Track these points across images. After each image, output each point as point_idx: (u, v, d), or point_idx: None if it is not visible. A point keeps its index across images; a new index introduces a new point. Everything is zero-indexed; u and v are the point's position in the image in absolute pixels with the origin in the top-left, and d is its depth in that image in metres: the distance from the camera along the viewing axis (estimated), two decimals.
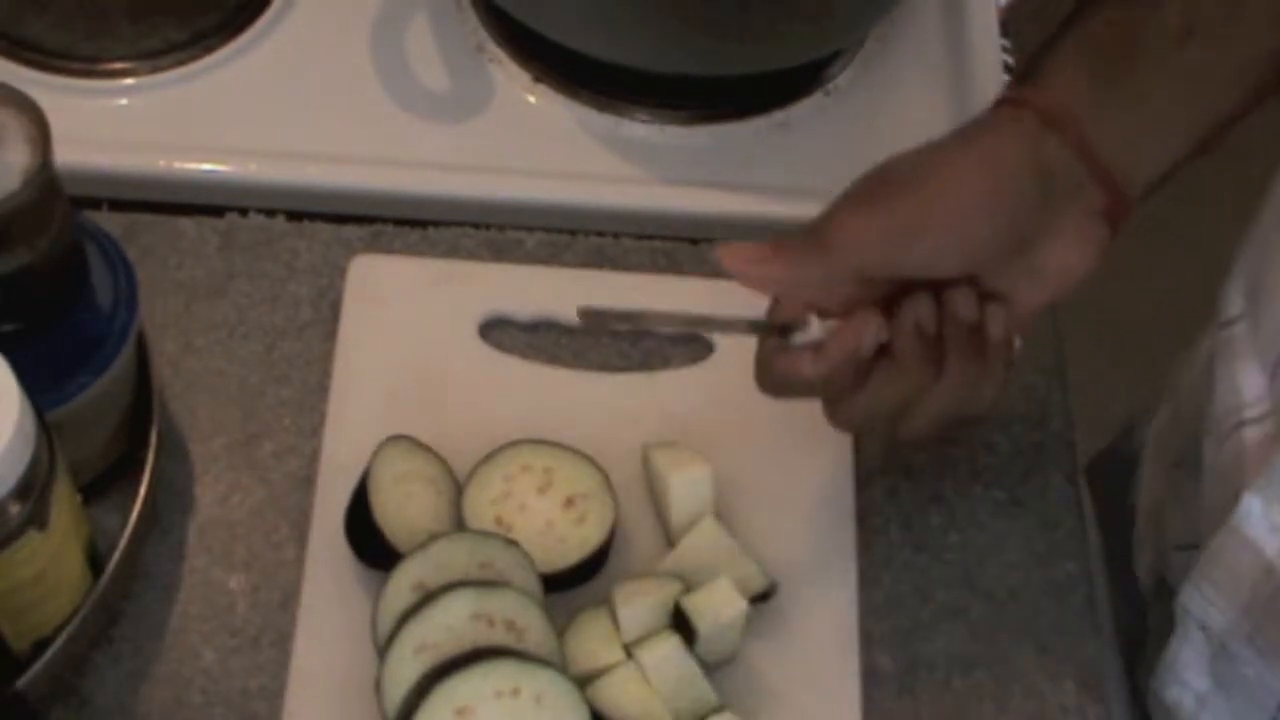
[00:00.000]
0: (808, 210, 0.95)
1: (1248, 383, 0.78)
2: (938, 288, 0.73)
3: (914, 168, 0.73)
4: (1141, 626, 0.88)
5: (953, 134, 0.74)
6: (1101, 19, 0.74)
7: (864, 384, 0.74)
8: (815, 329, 0.74)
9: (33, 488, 0.68)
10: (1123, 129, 0.73)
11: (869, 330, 0.72)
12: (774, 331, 0.75)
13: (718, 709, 0.77)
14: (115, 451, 0.81)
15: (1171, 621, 0.80)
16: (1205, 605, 0.77)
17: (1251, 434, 0.77)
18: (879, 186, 0.73)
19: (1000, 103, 0.75)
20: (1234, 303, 0.80)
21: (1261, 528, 0.73)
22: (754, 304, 0.91)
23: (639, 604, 0.78)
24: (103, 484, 0.81)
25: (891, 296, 0.73)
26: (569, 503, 0.81)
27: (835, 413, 0.76)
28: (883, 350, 0.73)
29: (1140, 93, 0.73)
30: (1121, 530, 0.94)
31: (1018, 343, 0.75)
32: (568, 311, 0.90)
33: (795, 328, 0.74)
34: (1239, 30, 0.73)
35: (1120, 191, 0.73)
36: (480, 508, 0.81)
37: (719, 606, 0.77)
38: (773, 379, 0.75)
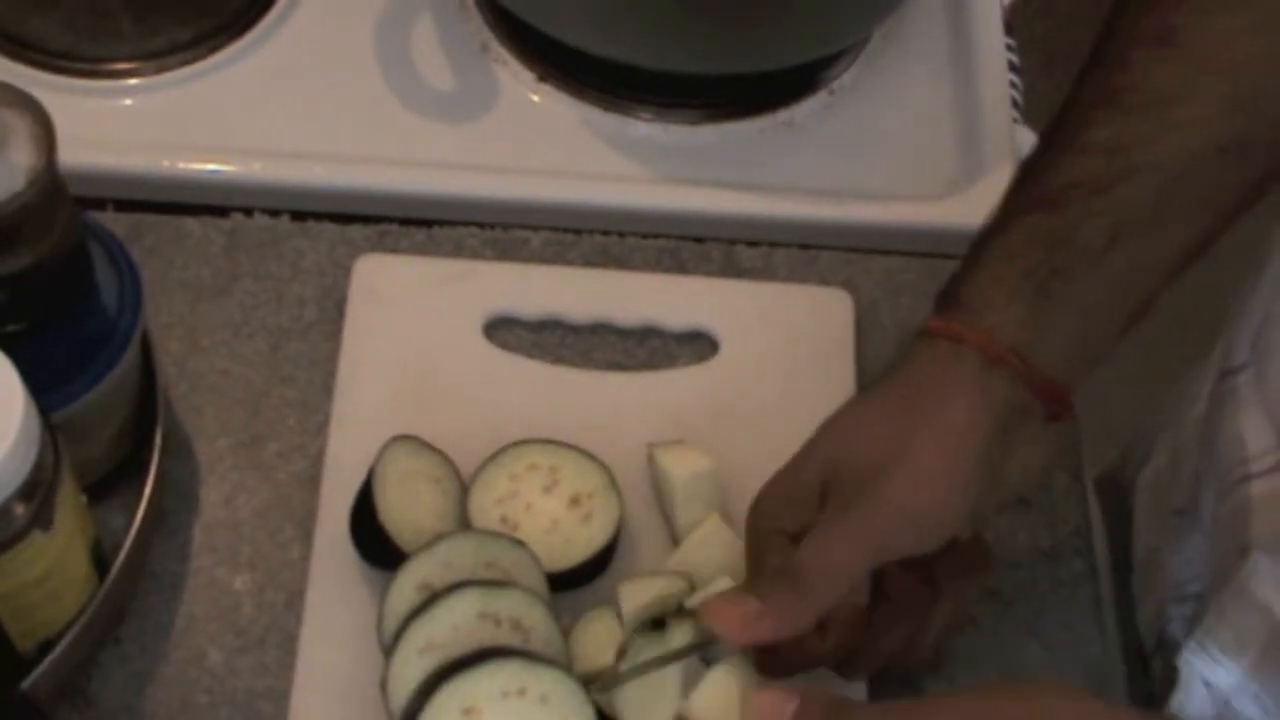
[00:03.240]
0: (812, 209, 0.96)
1: (1252, 434, 0.76)
2: None
3: (868, 468, 0.70)
4: (1146, 676, 0.88)
5: (891, 390, 0.72)
6: (1023, 233, 0.72)
7: (870, 634, 0.73)
8: None
9: (38, 488, 0.68)
10: (1060, 343, 0.71)
11: (866, 594, 0.72)
12: None
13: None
14: (120, 452, 0.81)
15: (1174, 672, 0.79)
16: (1210, 664, 0.76)
17: (1258, 488, 0.75)
18: (839, 501, 0.71)
19: (934, 334, 0.72)
20: (1238, 351, 0.79)
21: (1270, 587, 0.72)
22: (756, 305, 0.91)
23: (644, 602, 0.77)
24: (108, 484, 0.81)
25: None
26: (574, 502, 0.81)
27: (849, 670, 0.75)
28: (879, 596, 0.73)
29: (1074, 305, 0.71)
30: (1126, 533, 0.94)
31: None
32: (573, 311, 0.90)
33: None
34: (1167, 226, 0.71)
35: (1063, 396, 0.72)
36: (486, 507, 0.81)
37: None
38: (786, 665, 0.74)
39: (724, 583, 0.78)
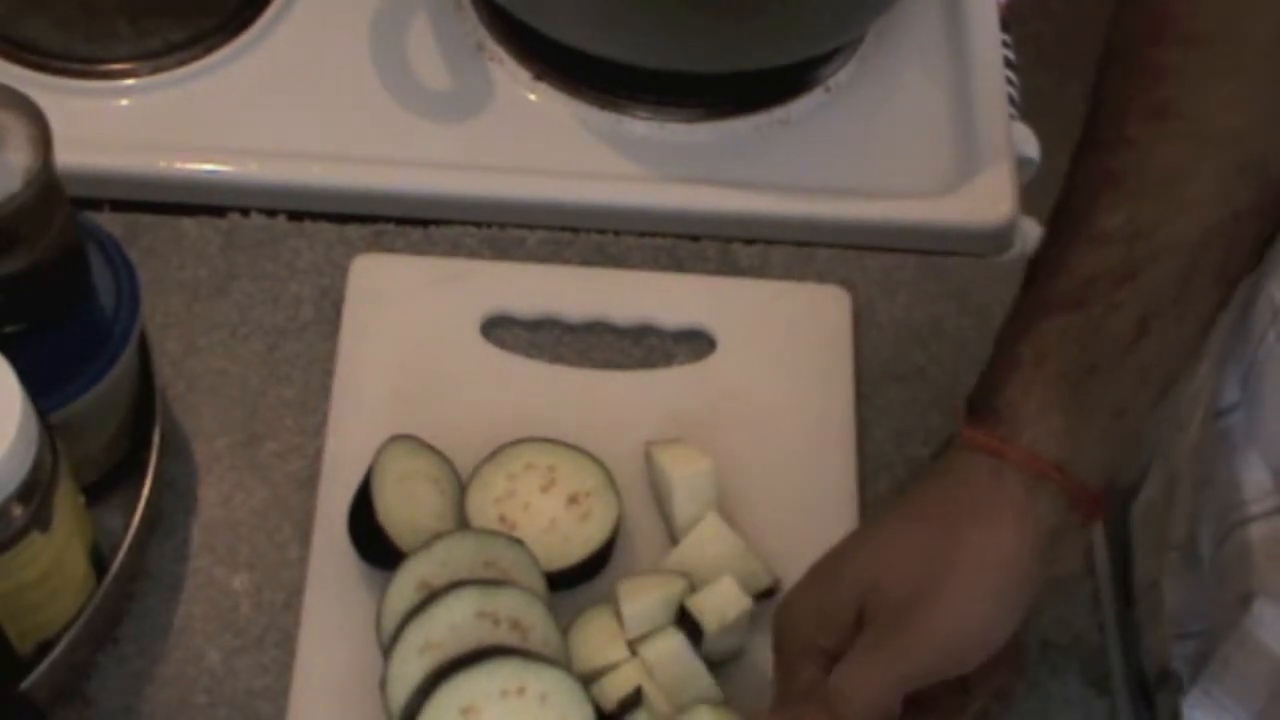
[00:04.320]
0: (808, 207, 0.96)
1: (1248, 476, 0.75)
2: None
3: (909, 595, 0.68)
4: (1149, 712, 0.87)
5: (929, 507, 0.71)
6: (1055, 330, 0.70)
7: None
8: None
9: (36, 489, 0.68)
10: (1099, 450, 0.70)
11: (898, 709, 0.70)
12: None
13: (721, 703, 0.77)
14: (118, 452, 0.81)
15: (1177, 707, 0.79)
16: (1216, 710, 0.76)
17: (1258, 532, 0.74)
18: (877, 626, 0.69)
19: (972, 446, 0.70)
20: (1229, 392, 0.78)
21: (1275, 634, 0.71)
22: (753, 303, 0.91)
23: (643, 601, 0.78)
24: (106, 485, 0.81)
25: None
26: (572, 500, 0.81)
27: None
28: (911, 706, 0.70)
29: (1109, 405, 0.70)
30: (1125, 529, 0.94)
31: None
32: (570, 309, 0.90)
33: None
34: (1191, 305, 0.70)
35: (1100, 500, 0.70)
36: (484, 506, 0.81)
37: (724, 606, 0.77)
38: None
39: (725, 582, 0.78)
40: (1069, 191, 0.72)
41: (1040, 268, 0.72)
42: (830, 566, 0.72)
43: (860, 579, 0.70)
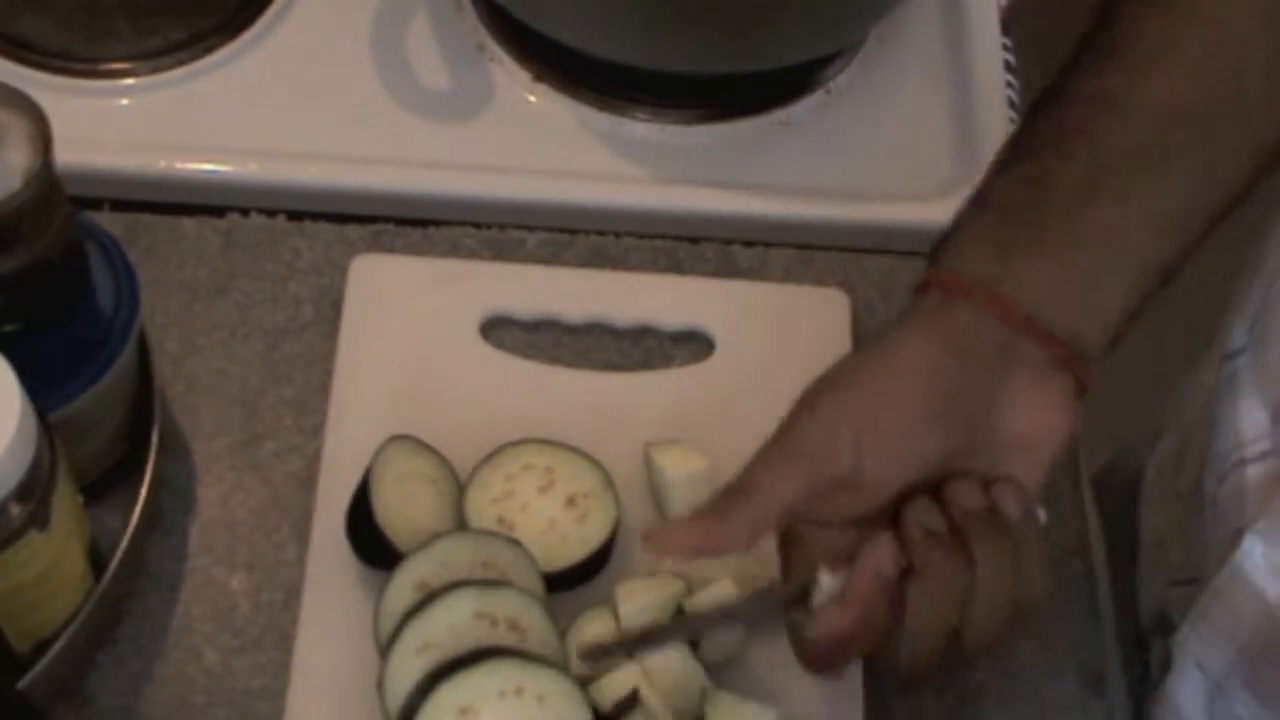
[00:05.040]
0: (808, 209, 0.96)
1: (1249, 419, 0.76)
2: (934, 491, 0.70)
3: (814, 392, 0.70)
4: (1144, 660, 0.88)
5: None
6: (1000, 185, 0.72)
7: (904, 614, 0.69)
8: (829, 583, 0.70)
9: (34, 488, 0.68)
10: (1043, 284, 0.70)
11: (882, 551, 0.68)
12: (792, 603, 0.72)
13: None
14: (117, 452, 0.81)
15: (1170, 655, 0.79)
16: (1203, 646, 0.76)
17: (1253, 472, 0.75)
18: (787, 421, 0.70)
19: (913, 293, 0.72)
20: (1237, 337, 0.79)
21: (1262, 570, 0.72)
22: (752, 305, 0.91)
23: (641, 602, 0.78)
24: (104, 484, 0.81)
25: (894, 520, 0.70)
26: (571, 502, 0.81)
27: (895, 658, 0.70)
28: (908, 573, 0.69)
29: (1055, 247, 0.70)
30: (1123, 534, 0.94)
31: (1042, 516, 0.71)
32: (569, 311, 0.90)
33: (810, 589, 0.71)
34: (1158, 177, 0.70)
35: (1063, 343, 0.70)
36: (482, 507, 0.81)
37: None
38: (815, 650, 0.71)
39: (722, 585, 0.78)
40: (1060, 69, 0.73)
41: (1012, 134, 0.74)
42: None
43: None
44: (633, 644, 0.75)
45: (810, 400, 0.70)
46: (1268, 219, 0.79)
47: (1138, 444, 0.96)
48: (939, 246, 0.73)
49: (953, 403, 0.69)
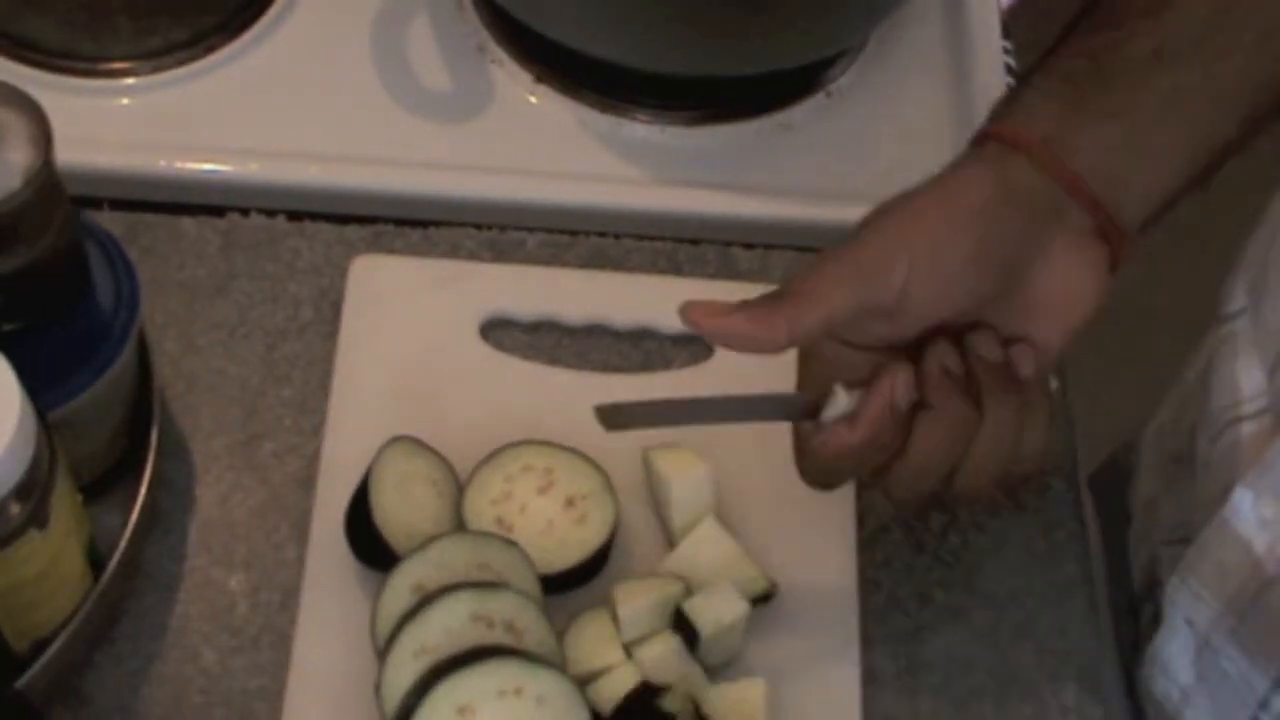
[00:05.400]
0: (808, 211, 0.96)
1: (1246, 378, 0.77)
2: (956, 337, 0.72)
3: (877, 214, 0.72)
4: (1135, 621, 0.88)
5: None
6: (1069, 50, 0.73)
7: (907, 445, 0.71)
8: (844, 401, 0.72)
9: (33, 487, 0.68)
10: (1099, 148, 0.71)
11: (900, 379, 0.71)
12: (804, 413, 0.74)
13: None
14: (116, 451, 0.81)
15: (1160, 612, 0.80)
16: (1191, 599, 0.77)
17: (1247, 429, 0.76)
18: (846, 240, 0.72)
19: (970, 144, 0.74)
20: (1236, 297, 0.80)
21: (1251, 522, 0.73)
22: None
23: (639, 604, 0.78)
24: (103, 483, 0.81)
25: (913, 355, 0.72)
26: (570, 503, 0.81)
27: (887, 484, 0.73)
28: (919, 407, 0.71)
29: (1115, 113, 0.71)
30: (1122, 535, 0.94)
31: (1054, 384, 0.74)
32: (569, 312, 0.90)
33: (823, 403, 0.72)
34: (1216, 56, 0.72)
35: (1107, 212, 0.71)
36: (481, 508, 0.81)
37: (721, 610, 0.77)
38: (816, 462, 0.74)
39: (722, 587, 0.78)
40: None
41: (1070, 21, 0.74)
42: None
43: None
44: (655, 411, 0.76)
45: (873, 221, 0.71)
46: (1268, 179, 0.80)
47: (1137, 443, 0.97)
48: (1000, 106, 0.74)
49: (1001, 250, 0.70)
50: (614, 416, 0.74)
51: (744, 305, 0.71)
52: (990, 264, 0.70)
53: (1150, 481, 0.91)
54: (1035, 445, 0.73)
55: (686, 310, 0.71)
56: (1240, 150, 0.74)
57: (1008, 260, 0.71)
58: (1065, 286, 0.72)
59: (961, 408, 0.71)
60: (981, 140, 0.73)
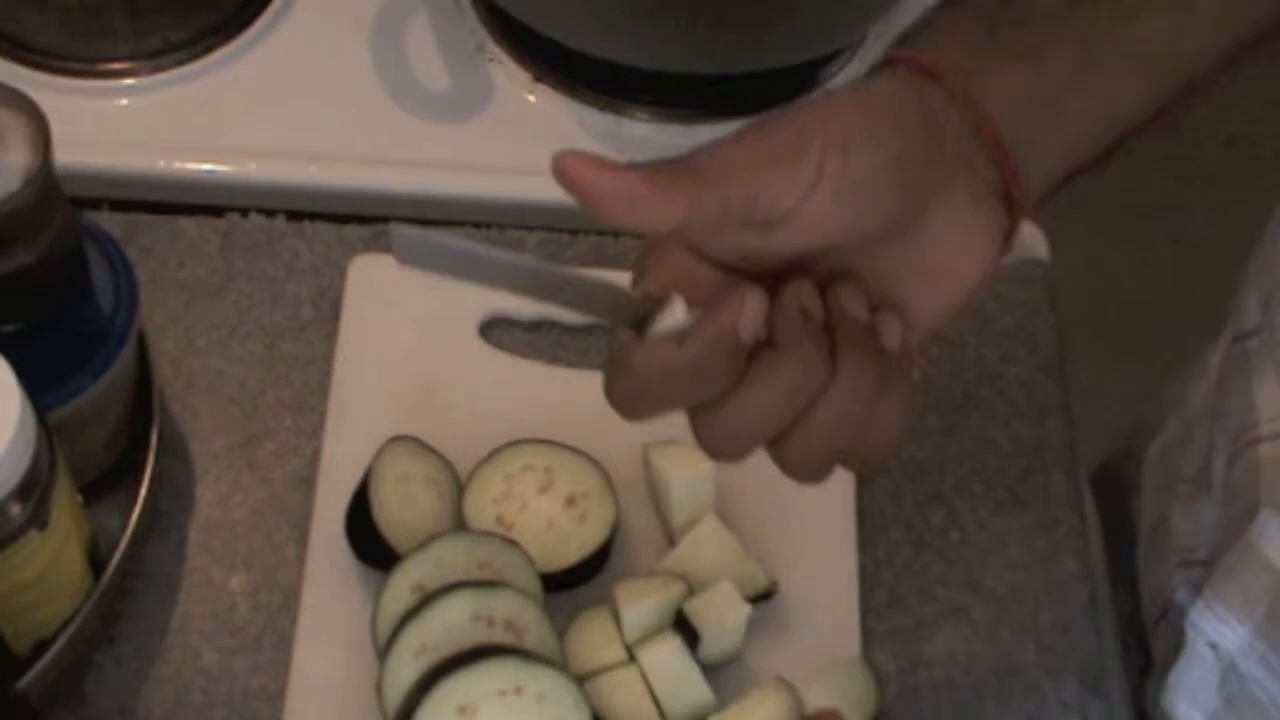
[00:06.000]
0: None
1: (1264, 397, 0.76)
2: (821, 285, 0.62)
3: (791, 109, 0.61)
4: (1144, 641, 0.88)
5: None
6: None
7: (739, 387, 0.61)
8: (680, 314, 0.61)
9: (33, 488, 0.68)
10: (1009, 94, 0.64)
11: (750, 304, 0.60)
12: (630, 319, 0.62)
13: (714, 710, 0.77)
14: (116, 451, 0.81)
15: (1179, 638, 0.79)
16: (1217, 624, 0.76)
17: (1267, 450, 0.75)
18: (755, 124, 0.62)
19: (875, 67, 0.64)
20: (1250, 315, 0.78)
21: (1277, 545, 0.72)
22: None
23: (642, 605, 0.78)
24: (103, 484, 0.81)
25: (770, 290, 0.62)
26: (570, 502, 0.81)
27: (707, 426, 0.63)
28: (763, 346, 0.61)
29: (1025, 55, 0.64)
30: (1123, 530, 0.94)
31: (916, 374, 0.65)
32: (568, 311, 0.89)
33: (655, 314, 0.61)
34: (1130, 12, 0.65)
35: (1014, 170, 0.63)
36: (481, 507, 0.81)
37: (722, 611, 0.77)
38: (629, 380, 0.62)
39: (723, 588, 0.78)
40: None
41: None
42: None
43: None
44: (456, 256, 0.66)
45: (787, 114, 0.61)
46: (1272, 184, 0.78)
47: (1136, 445, 0.96)
48: (906, 35, 0.65)
49: (912, 172, 0.62)
50: (406, 246, 0.63)
51: (635, 166, 0.61)
52: (898, 185, 0.61)
53: (1157, 503, 0.89)
54: (887, 433, 0.62)
55: (560, 159, 0.61)
56: (1150, 125, 0.67)
57: (915, 186, 0.62)
58: (956, 247, 0.64)
59: (812, 356, 0.60)
60: (892, 62, 0.64)
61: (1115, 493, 0.96)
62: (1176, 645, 0.79)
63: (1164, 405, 0.94)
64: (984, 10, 0.65)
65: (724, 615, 0.77)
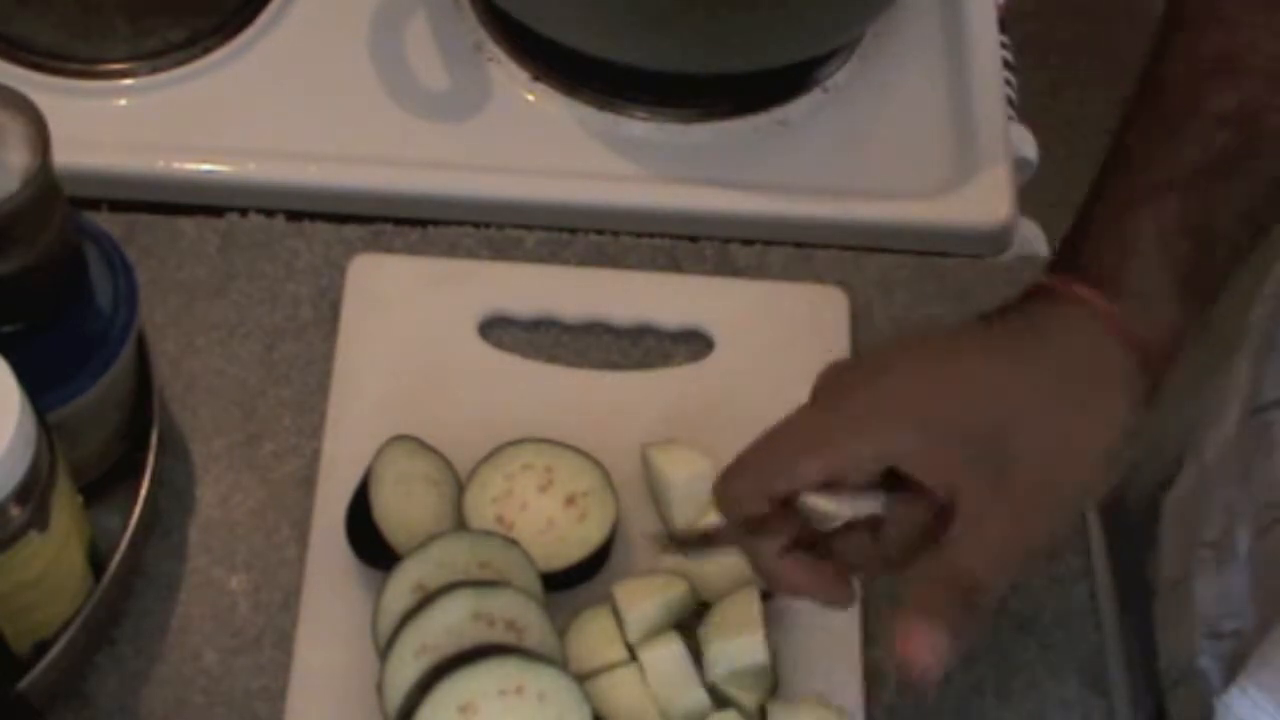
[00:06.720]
0: (806, 208, 0.96)
1: None
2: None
3: (1044, 454, 0.65)
4: (1155, 692, 0.87)
5: (1037, 362, 0.66)
6: (1172, 216, 0.67)
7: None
8: (841, 509, 0.67)
9: (34, 489, 0.68)
10: (1184, 339, 0.67)
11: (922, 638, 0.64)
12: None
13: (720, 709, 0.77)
14: (116, 452, 0.81)
15: (1203, 709, 0.78)
16: (1253, 709, 0.75)
17: None
18: (1008, 488, 0.64)
19: (1073, 303, 0.67)
20: (1270, 388, 0.77)
21: None
22: (751, 303, 0.91)
23: (645, 606, 0.78)
24: (104, 485, 0.81)
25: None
26: (570, 501, 0.81)
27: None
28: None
29: (1208, 298, 0.67)
30: (1123, 528, 0.94)
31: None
32: (568, 310, 0.90)
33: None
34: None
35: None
36: (481, 507, 0.81)
37: (737, 655, 0.77)
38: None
39: (745, 595, 0.78)
40: (1161, 67, 0.69)
41: (1145, 139, 0.69)
42: (852, 404, 0.67)
43: (956, 399, 0.65)
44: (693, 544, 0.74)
45: (1039, 467, 0.64)
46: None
47: (1145, 477, 0.95)
48: (1108, 259, 0.68)
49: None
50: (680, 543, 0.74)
51: (950, 629, 0.64)
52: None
53: (1177, 563, 0.87)
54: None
55: (904, 647, 0.64)
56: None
57: None
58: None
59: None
60: (1114, 329, 0.66)
61: (1126, 535, 0.95)
62: (1199, 712, 0.78)
63: (1170, 440, 0.92)
64: (1180, 256, 0.66)
65: (737, 658, 0.77)
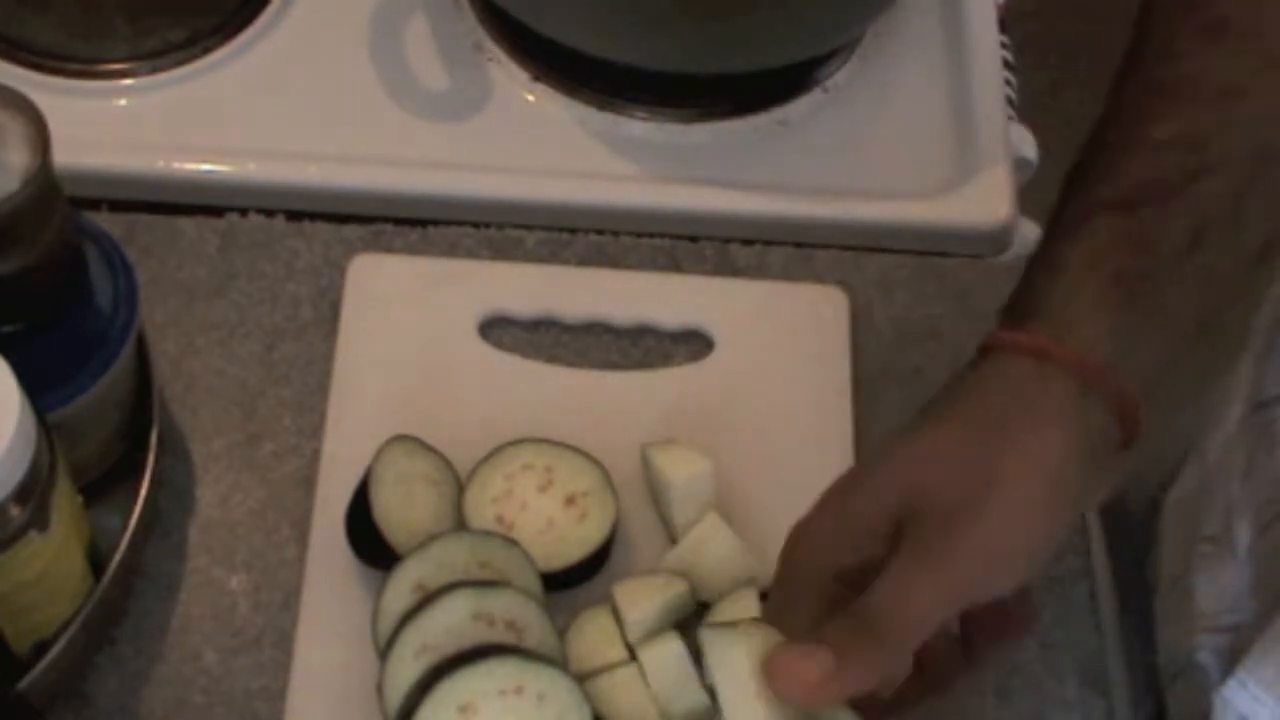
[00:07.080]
0: (806, 208, 0.96)
1: None
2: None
3: (956, 503, 0.64)
4: (1155, 689, 0.87)
5: (970, 414, 0.66)
6: (1104, 236, 0.67)
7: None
8: None
9: (33, 489, 0.68)
10: (1146, 358, 0.66)
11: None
12: None
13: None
14: (116, 452, 0.81)
15: (1202, 703, 0.78)
16: (1252, 703, 0.75)
17: None
18: (918, 539, 0.64)
19: (1011, 349, 0.66)
20: (1272, 384, 0.77)
21: None
22: (751, 303, 0.91)
23: (645, 607, 0.78)
24: (103, 485, 0.81)
25: None
26: (570, 501, 0.81)
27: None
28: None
29: (1157, 315, 0.66)
30: (1123, 528, 0.94)
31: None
32: (568, 310, 0.90)
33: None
34: (1244, 226, 0.67)
35: (1139, 417, 0.66)
36: (481, 507, 0.81)
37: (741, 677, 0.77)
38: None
39: (746, 596, 0.78)
40: (1117, 99, 0.70)
41: (1085, 173, 0.69)
42: (858, 480, 0.67)
43: (898, 484, 0.65)
44: None
45: (949, 512, 0.64)
46: None
47: (1146, 478, 0.95)
48: (1035, 299, 0.67)
49: (1077, 510, 0.67)
50: None
51: (842, 658, 0.63)
52: (1069, 527, 0.67)
53: (1177, 559, 0.87)
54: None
55: (774, 674, 0.64)
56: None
57: (1079, 512, 0.68)
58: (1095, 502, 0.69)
59: (952, 660, 0.69)
60: (1040, 356, 0.65)
61: (1127, 539, 0.95)
62: (1198, 707, 0.78)
63: (1173, 440, 0.92)
64: (1120, 278, 0.66)
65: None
